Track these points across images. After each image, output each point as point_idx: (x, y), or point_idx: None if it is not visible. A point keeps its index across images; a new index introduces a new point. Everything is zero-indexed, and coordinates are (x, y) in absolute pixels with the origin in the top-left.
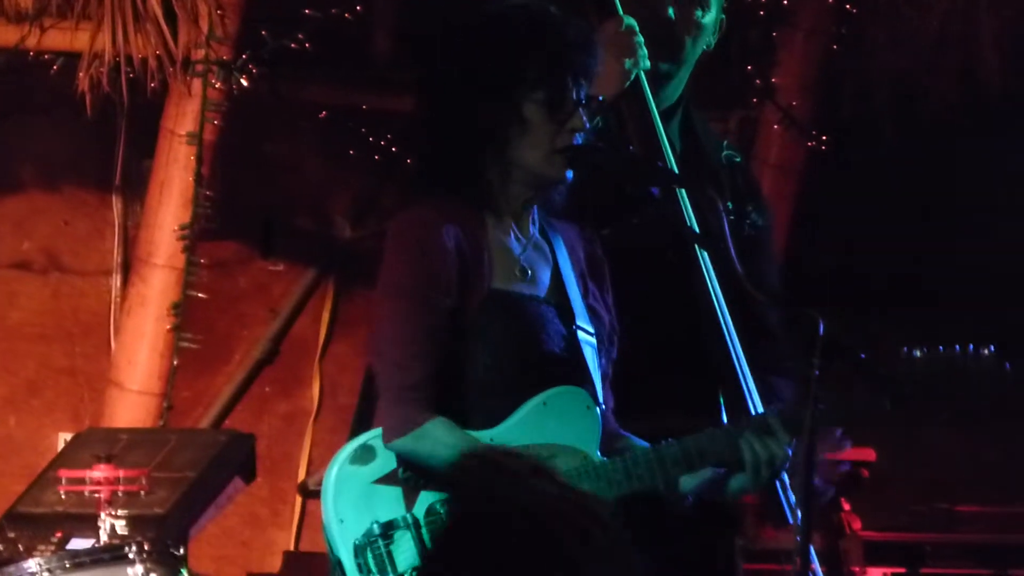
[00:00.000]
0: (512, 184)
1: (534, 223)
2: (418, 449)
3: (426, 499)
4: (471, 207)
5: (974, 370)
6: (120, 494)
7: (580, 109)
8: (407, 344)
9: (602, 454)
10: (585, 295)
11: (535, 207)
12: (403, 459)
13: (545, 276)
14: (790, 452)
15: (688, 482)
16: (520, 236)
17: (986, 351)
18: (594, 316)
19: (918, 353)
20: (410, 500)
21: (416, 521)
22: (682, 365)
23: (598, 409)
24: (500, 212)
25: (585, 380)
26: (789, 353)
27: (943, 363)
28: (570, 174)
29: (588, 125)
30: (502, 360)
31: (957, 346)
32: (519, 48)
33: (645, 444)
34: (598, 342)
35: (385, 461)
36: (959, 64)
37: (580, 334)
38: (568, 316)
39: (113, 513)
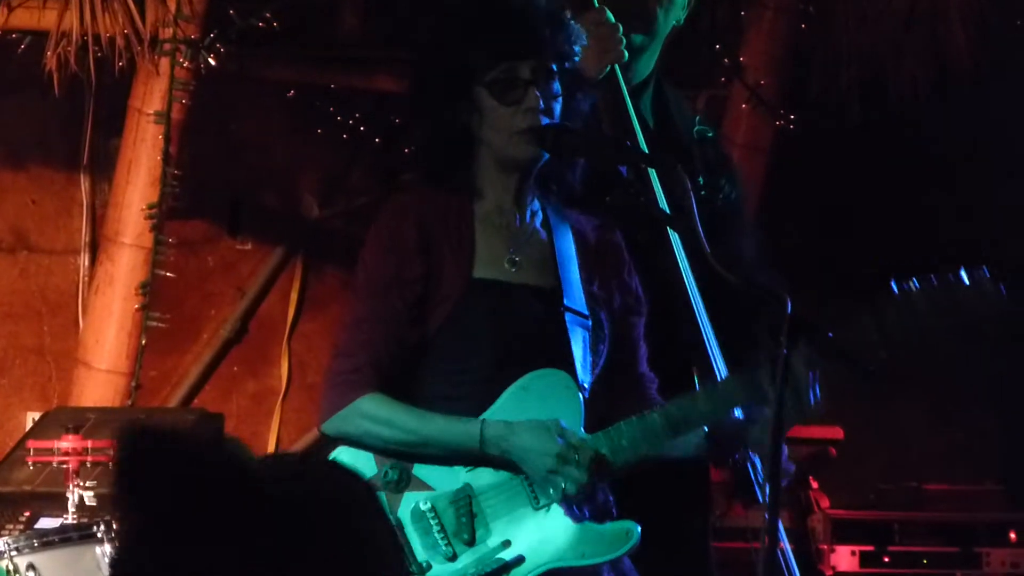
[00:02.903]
0: (494, 170)
1: (536, 213)
2: (346, 428)
3: (409, 501)
4: (460, 197)
5: (972, 297)
6: (88, 465)
7: (532, 88)
8: (353, 333)
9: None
10: (588, 282)
11: (534, 198)
12: (343, 441)
13: (537, 263)
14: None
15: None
16: (517, 227)
17: (980, 275)
18: (594, 302)
19: (911, 288)
20: (393, 504)
21: (400, 524)
22: (654, 345)
23: (580, 391)
24: (497, 200)
25: (566, 363)
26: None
27: (941, 293)
28: (546, 155)
29: (543, 104)
30: (484, 349)
31: (950, 275)
32: (462, 34)
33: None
34: (595, 325)
35: (365, 467)
36: (927, 43)
37: (569, 316)
38: (556, 299)
39: (81, 484)
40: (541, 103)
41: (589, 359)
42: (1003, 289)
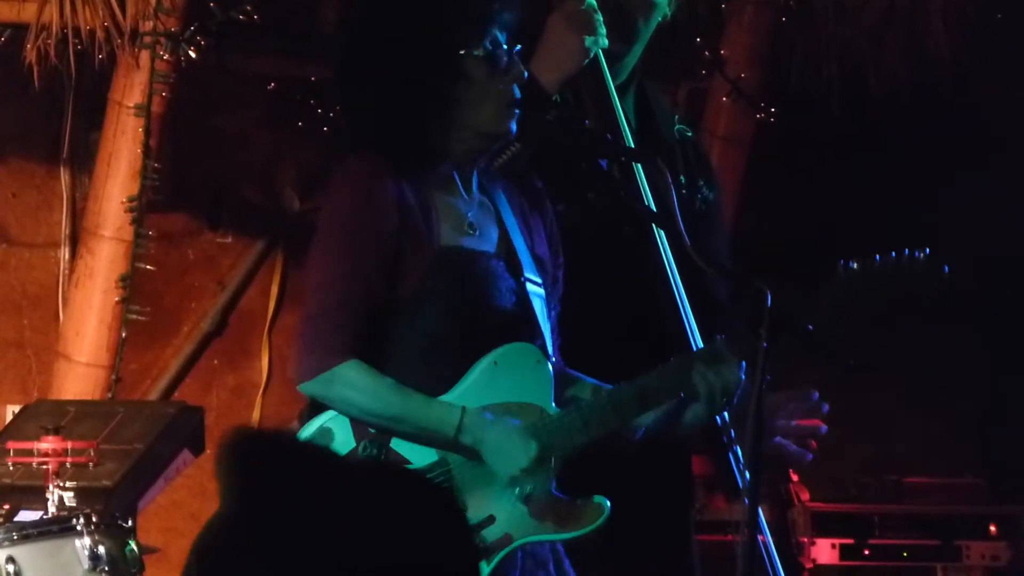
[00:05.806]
0: (457, 144)
1: (476, 183)
2: (328, 393)
3: None
4: (414, 166)
5: (911, 275)
6: (68, 466)
7: (515, 56)
8: (333, 290)
9: (556, 402)
10: (531, 245)
11: (475, 171)
12: (318, 402)
13: (492, 231)
14: (743, 376)
15: (644, 417)
16: (465, 194)
17: (921, 255)
18: (540, 265)
19: (855, 265)
20: None
21: None
22: (638, 340)
23: (549, 363)
24: (454, 167)
25: (535, 334)
26: (738, 328)
27: (881, 271)
28: (514, 127)
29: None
30: (454, 319)
31: (892, 252)
32: (454, 6)
33: (594, 381)
34: (546, 292)
35: (344, 441)
36: (907, 36)
37: (529, 286)
38: (516, 269)
39: (61, 485)
40: (525, 73)
41: (549, 327)
42: (945, 268)
